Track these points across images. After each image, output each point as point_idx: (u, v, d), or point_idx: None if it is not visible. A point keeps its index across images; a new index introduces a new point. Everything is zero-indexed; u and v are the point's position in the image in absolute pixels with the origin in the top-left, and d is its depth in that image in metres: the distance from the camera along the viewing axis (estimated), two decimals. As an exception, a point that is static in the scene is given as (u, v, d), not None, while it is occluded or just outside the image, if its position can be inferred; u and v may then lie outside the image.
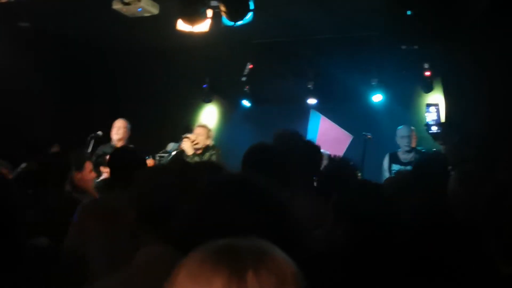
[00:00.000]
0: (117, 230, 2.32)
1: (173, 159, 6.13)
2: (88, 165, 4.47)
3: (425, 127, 6.48)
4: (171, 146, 6.66)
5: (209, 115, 8.79)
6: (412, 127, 6.74)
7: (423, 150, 6.48)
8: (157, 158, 6.45)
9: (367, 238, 2.24)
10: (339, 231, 2.35)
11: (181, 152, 6.21)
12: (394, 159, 6.59)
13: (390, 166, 6.56)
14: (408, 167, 6.25)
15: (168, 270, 0.93)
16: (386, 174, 6.47)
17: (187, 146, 6.17)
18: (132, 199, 2.11)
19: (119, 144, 6.58)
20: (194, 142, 6.28)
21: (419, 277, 2.26)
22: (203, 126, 6.66)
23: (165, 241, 1.80)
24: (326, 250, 2.29)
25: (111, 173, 3.44)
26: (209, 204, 1.30)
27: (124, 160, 3.34)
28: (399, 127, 6.71)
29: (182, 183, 2.13)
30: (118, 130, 6.59)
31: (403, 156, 6.56)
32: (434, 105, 6.56)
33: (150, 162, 6.43)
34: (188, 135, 6.36)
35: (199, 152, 6.28)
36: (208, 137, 6.49)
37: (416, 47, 6.56)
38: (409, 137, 6.56)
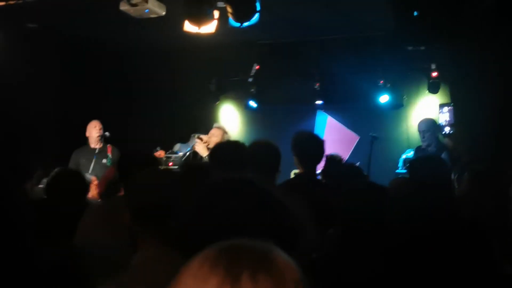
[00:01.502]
0: (117, 232, 2.33)
1: (185, 160, 6.12)
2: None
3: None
4: (177, 146, 6.67)
5: (216, 116, 8.81)
6: (432, 120, 6.56)
7: (442, 144, 6.35)
8: (164, 158, 6.46)
9: (366, 238, 2.24)
10: (339, 232, 2.35)
11: (194, 153, 6.19)
12: (419, 153, 6.40)
13: None
14: None
15: (166, 271, 0.92)
16: None
17: (200, 148, 6.14)
18: (128, 199, 2.11)
19: (98, 145, 6.57)
20: (206, 144, 6.25)
21: (421, 276, 2.26)
22: (219, 128, 6.62)
23: (163, 242, 1.80)
24: (325, 251, 2.29)
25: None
26: (208, 204, 1.31)
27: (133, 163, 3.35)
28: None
29: (178, 182, 2.13)
30: (100, 130, 6.61)
31: (424, 148, 6.41)
32: (447, 105, 6.48)
33: (161, 153, 6.44)
34: (201, 136, 6.34)
35: None
36: (222, 139, 6.45)
37: (423, 47, 6.54)
38: (423, 132, 6.37)
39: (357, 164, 8.01)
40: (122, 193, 4.28)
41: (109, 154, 6.47)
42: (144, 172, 2.26)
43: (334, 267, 2.16)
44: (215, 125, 6.77)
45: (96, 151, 6.39)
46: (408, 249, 2.37)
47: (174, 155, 6.57)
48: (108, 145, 6.60)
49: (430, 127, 6.38)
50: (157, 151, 6.14)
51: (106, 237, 2.80)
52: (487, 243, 2.14)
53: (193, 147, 6.25)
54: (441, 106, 6.51)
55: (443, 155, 5.71)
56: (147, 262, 1.83)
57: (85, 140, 6.55)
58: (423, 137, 6.34)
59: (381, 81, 7.66)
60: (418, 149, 6.46)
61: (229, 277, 0.85)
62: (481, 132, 6.32)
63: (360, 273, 2.15)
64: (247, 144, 3.81)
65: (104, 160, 6.33)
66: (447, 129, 6.33)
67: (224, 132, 6.59)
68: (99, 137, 6.52)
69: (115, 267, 1.91)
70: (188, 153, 6.24)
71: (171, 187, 2.13)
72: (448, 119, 6.41)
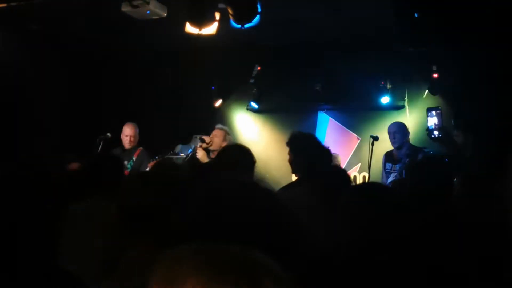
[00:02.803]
0: (105, 232, 2.34)
1: (188, 161, 6.14)
2: None
3: (427, 132, 6.42)
4: (179, 148, 6.68)
5: (217, 117, 8.81)
6: (402, 122, 6.56)
7: (415, 146, 6.30)
8: (165, 160, 6.46)
9: (372, 241, 2.24)
10: (345, 233, 2.35)
11: (195, 155, 6.20)
12: (389, 157, 6.39)
13: (384, 165, 6.40)
14: (397, 165, 6.13)
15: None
16: (383, 174, 6.40)
17: (200, 155, 6.15)
18: (117, 200, 2.12)
19: (128, 146, 6.61)
20: (209, 144, 6.27)
21: (425, 281, 2.27)
22: (221, 129, 6.64)
23: (153, 243, 1.80)
24: (330, 253, 2.29)
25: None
26: (209, 207, 1.31)
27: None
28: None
29: (168, 182, 2.13)
30: (131, 139, 6.63)
31: (395, 153, 6.34)
32: (435, 109, 6.51)
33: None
34: (204, 137, 6.35)
35: (213, 155, 6.27)
36: (224, 140, 6.46)
37: (424, 49, 6.53)
38: (394, 133, 6.30)
39: (358, 165, 8.06)
40: None
41: (134, 157, 6.48)
42: (134, 174, 2.27)
43: (342, 269, 2.17)
44: (217, 126, 6.78)
45: (123, 152, 6.45)
46: (411, 250, 2.37)
47: (175, 157, 6.59)
48: (139, 148, 6.62)
49: (400, 128, 6.35)
50: (155, 159, 6.17)
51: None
52: (491, 247, 2.14)
53: (194, 150, 6.27)
54: (429, 109, 6.52)
55: (420, 156, 5.68)
56: (136, 263, 1.83)
57: (88, 141, 6.57)
58: (394, 138, 6.27)
59: (382, 83, 7.67)
60: (388, 154, 6.40)
61: None
62: (482, 134, 6.32)
63: (366, 276, 2.15)
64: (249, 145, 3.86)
65: (125, 162, 6.33)
66: (435, 133, 6.33)
67: (226, 133, 6.61)
68: (127, 140, 6.58)
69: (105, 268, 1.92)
70: (189, 156, 6.25)
71: (161, 188, 2.13)
72: (436, 122, 6.41)
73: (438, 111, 6.40)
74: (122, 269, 1.85)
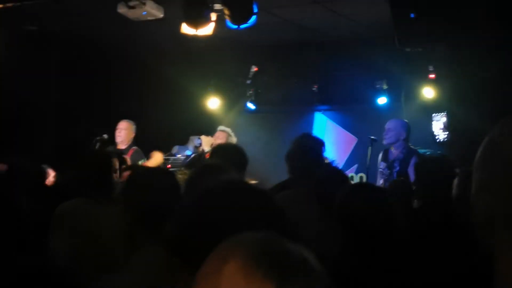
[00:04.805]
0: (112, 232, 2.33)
1: (192, 160, 6.13)
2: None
3: (431, 136, 6.31)
4: (176, 149, 6.67)
5: (214, 118, 8.80)
6: (401, 121, 6.23)
7: (417, 149, 6.02)
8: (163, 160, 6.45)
9: (368, 242, 2.23)
10: (339, 235, 2.34)
11: (200, 154, 6.19)
12: (385, 156, 6.05)
13: (379, 164, 6.07)
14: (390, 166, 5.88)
15: (163, 274, 0.92)
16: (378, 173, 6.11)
17: (206, 140, 6.20)
18: (128, 200, 2.11)
19: (122, 146, 6.56)
20: (212, 146, 6.27)
21: (422, 280, 2.26)
22: (223, 131, 6.64)
23: (162, 244, 1.79)
24: (324, 255, 2.28)
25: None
26: (206, 207, 1.30)
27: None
28: None
29: (178, 184, 2.13)
30: (120, 132, 6.59)
31: (390, 152, 5.97)
32: (440, 113, 6.44)
33: (158, 154, 6.42)
34: (202, 137, 6.36)
35: None
36: (227, 141, 6.47)
37: (420, 49, 6.53)
38: (388, 130, 5.93)
39: (355, 166, 8.04)
40: None
41: (127, 158, 6.39)
42: (145, 173, 2.26)
43: (335, 269, 2.15)
44: (219, 128, 6.77)
45: (116, 151, 6.35)
46: (409, 249, 2.36)
47: (172, 158, 6.57)
48: (132, 147, 6.55)
49: (395, 126, 5.99)
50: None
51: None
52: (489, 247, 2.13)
53: (196, 151, 6.27)
54: (434, 113, 6.43)
55: (413, 160, 5.45)
56: (145, 263, 1.83)
57: (85, 141, 6.54)
58: (386, 134, 5.93)
59: (379, 83, 7.67)
60: (384, 152, 6.05)
61: None
62: (479, 135, 6.31)
63: (363, 274, 2.14)
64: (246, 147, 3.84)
65: None
66: (441, 137, 6.24)
67: (229, 135, 6.60)
68: (123, 140, 6.52)
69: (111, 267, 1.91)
70: (193, 156, 6.24)
71: (171, 188, 2.13)
72: (441, 126, 6.32)
73: (443, 115, 6.32)
74: (128, 269, 1.84)
